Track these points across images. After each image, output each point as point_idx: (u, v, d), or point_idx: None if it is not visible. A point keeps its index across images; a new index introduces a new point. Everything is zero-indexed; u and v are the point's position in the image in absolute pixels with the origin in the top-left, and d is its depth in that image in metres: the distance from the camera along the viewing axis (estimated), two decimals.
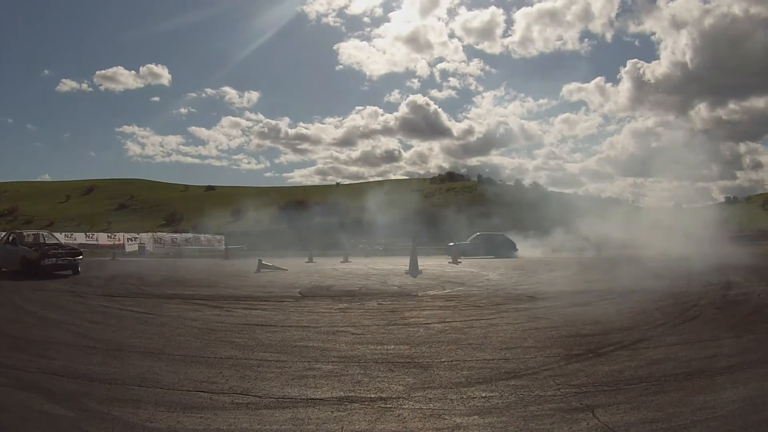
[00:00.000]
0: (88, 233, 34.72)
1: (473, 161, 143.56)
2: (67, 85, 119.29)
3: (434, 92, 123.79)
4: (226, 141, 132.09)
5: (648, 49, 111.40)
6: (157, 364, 4.50)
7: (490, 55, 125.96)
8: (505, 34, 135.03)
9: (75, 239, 33.15)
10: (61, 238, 32.16)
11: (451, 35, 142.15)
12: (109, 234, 34.68)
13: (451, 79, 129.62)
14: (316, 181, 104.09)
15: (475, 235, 27.56)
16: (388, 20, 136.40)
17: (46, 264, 13.76)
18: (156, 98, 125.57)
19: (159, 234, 36.74)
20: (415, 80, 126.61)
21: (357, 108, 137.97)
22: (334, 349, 5.07)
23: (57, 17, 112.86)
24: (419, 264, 14.54)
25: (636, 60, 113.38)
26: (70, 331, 6.15)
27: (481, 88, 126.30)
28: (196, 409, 3.37)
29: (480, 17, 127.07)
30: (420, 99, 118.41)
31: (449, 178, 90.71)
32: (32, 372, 4.23)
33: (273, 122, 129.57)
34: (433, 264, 18.11)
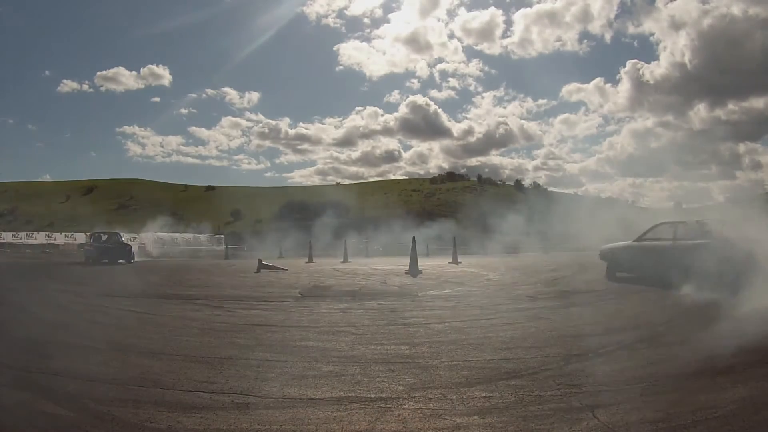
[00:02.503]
0: (88, 233, 34.69)
1: (473, 161, 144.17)
2: (68, 85, 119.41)
3: (434, 92, 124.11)
4: (226, 141, 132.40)
5: (647, 50, 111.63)
6: (157, 364, 4.50)
7: (489, 55, 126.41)
8: (505, 35, 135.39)
9: (75, 239, 33.22)
10: (61, 238, 32.36)
11: (451, 36, 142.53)
12: None
13: (450, 79, 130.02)
14: (316, 181, 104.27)
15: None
16: (387, 21, 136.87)
17: None
18: (156, 99, 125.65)
19: (159, 234, 36.74)
20: (415, 81, 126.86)
21: (357, 108, 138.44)
22: (334, 349, 5.07)
23: (57, 17, 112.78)
24: (419, 264, 14.53)
25: (635, 60, 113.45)
26: (70, 331, 6.15)
27: (480, 89, 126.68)
28: (196, 409, 3.37)
29: (479, 18, 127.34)
30: (420, 99, 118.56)
31: (449, 178, 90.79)
32: (32, 372, 4.23)
33: (273, 122, 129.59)
34: (433, 264, 18.10)
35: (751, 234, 9.68)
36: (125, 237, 34.06)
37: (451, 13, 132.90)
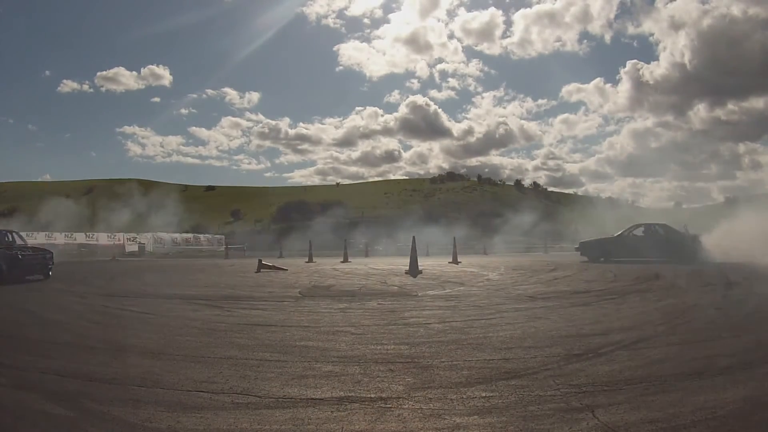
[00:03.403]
0: (88, 233, 34.70)
1: (473, 161, 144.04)
2: (68, 86, 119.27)
3: (434, 93, 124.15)
4: (226, 141, 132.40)
5: (647, 50, 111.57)
6: (157, 364, 4.50)
7: (489, 55, 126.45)
8: (504, 35, 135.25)
9: (75, 239, 33.21)
10: (61, 238, 32.31)
11: (451, 36, 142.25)
12: (109, 234, 34.68)
13: (450, 79, 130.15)
14: (316, 181, 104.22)
15: None
16: (387, 21, 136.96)
17: None
18: (156, 99, 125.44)
19: (159, 234, 36.75)
20: (415, 81, 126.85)
21: (357, 108, 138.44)
22: (334, 349, 5.07)
23: (58, 18, 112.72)
24: (419, 264, 14.53)
25: (635, 61, 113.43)
26: (70, 331, 6.15)
27: (480, 89, 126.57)
28: (196, 409, 3.37)
29: (479, 18, 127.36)
30: (420, 99, 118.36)
31: (449, 178, 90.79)
32: (32, 372, 4.23)
33: (273, 122, 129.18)
34: (433, 264, 18.10)
35: (693, 230, 19.45)
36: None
37: (451, 14, 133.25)
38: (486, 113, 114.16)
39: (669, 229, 19.11)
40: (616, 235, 19.52)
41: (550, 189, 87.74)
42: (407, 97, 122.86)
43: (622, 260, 17.81)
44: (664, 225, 19.49)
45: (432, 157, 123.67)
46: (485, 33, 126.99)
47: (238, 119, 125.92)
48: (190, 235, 39.60)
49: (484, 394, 3.63)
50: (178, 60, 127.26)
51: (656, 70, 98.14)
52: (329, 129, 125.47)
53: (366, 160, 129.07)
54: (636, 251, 18.05)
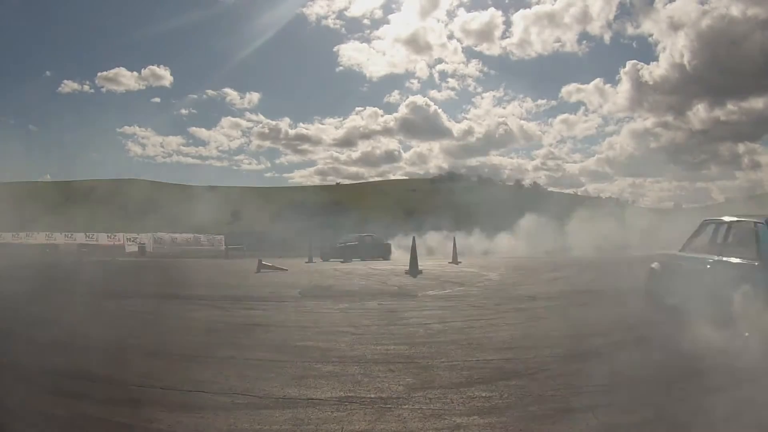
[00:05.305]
0: (88, 233, 34.68)
1: (473, 162, 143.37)
2: (69, 86, 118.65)
3: (434, 93, 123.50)
4: (226, 142, 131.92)
5: (646, 51, 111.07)
6: (157, 364, 4.50)
7: (488, 56, 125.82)
8: (504, 36, 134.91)
9: (75, 239, 33.21)
10: (61, 238, 32.34)
11: (450, 37, 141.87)
12: (109, 234, 34.66)
13: (450, 80, 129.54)
14: (317, 181, 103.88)
15: None
16: (387, 22, 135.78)
17: None
18: (157, 99, 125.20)
19: (159, 234, 36.72)
20: (415, 81, 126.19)
21: (357, 109, 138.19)
22: (334, 349, 5.07)
23: (58, 18, 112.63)
24: (419, 264, 14.52)
25: (635, 61, 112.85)
26: (70, 331, 6.14)
27: (480, 89, 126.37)
28: (196, 409, 3.37)
29: (479, 19, 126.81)
30: (420, 100, 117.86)
31: (449, 178, 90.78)
32: (32, 372, 4.23)
33: (273, 123, 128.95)
34: (433, 264, 18.09)
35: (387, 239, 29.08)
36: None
37: (451, 14, 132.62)
38: (486, 113, 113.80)
39: (375, 237, 28.36)
40: (351, 243, 26.57)
41: (550, 189, 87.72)
42: (407, 97, 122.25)
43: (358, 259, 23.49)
44: (372, 235, 28.77)
45: (432, 157, 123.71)
46: (485, 33, 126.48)
47: (238, 119, 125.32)
48: (190, 235, 39.52)
49: (484, 394, 3.63)
50: (178, 60, 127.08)
51: (656, 71, 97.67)
52: (329, 129, 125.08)
53: (366, 160, 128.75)
54: (362, 252, 25.08)
